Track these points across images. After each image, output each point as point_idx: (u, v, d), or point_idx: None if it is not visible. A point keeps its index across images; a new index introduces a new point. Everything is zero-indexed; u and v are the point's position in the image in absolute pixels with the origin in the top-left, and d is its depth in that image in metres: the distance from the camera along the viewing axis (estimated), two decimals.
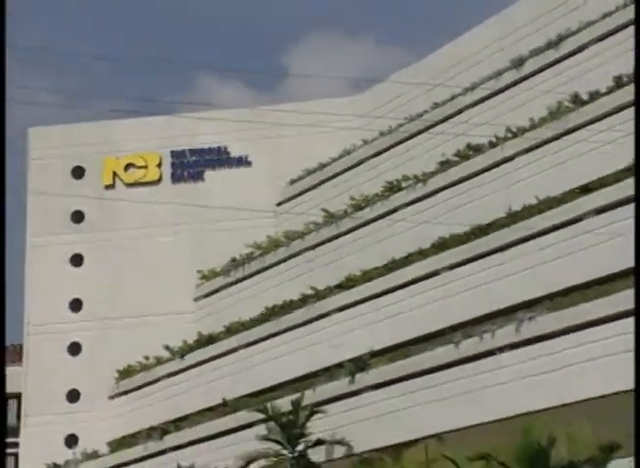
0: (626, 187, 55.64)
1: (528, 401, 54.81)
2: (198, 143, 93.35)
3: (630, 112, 58.21)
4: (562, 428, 50.39)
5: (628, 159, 55.96)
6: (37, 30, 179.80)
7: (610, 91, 62.31)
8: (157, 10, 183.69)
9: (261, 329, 75.82)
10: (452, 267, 64.13)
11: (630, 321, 49.82)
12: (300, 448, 59.25)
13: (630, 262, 51.98)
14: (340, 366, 66.94)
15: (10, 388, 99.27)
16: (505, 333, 58.29)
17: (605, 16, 66.88)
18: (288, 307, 74.15)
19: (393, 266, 67.76)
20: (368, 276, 69.19)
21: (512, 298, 59.60)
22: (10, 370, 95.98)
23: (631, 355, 47.79)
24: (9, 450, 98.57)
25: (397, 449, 58.68)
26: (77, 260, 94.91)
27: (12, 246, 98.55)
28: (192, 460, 66.96)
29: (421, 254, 66.46)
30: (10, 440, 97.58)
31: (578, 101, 63.90)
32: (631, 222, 51.75)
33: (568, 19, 69.37)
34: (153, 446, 78.06)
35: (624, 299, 52.30)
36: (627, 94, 59.81)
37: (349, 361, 66.31)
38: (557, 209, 59.50)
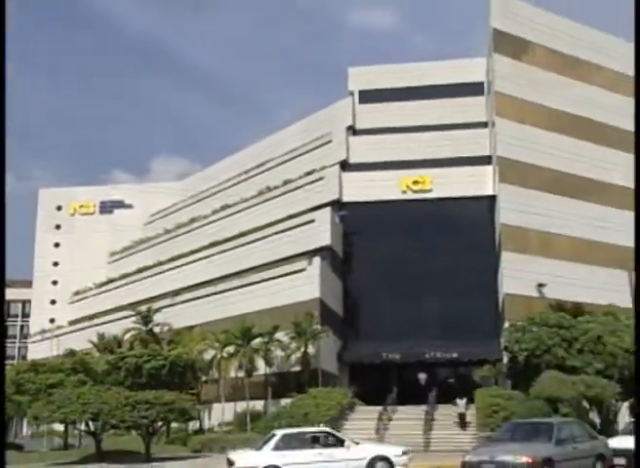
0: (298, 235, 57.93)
1: (245, 308, 56.10)
2: (111, 197, 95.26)
3: (310, 194, 61.16)
4: (257, 321, 52.76)
5: (288, 210, 60.29)
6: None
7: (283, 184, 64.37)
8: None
9: (137, 276, 76.76)
10: (218, 253, 65.61)
11: (294, 276, 55.27)
12: (149, 326, 59.30)
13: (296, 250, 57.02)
14: (169, 293, 68.09)
15: (25, 297, 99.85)
16: (240, 282, 60.12)
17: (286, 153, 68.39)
18: (150, 267, 74.88)
19: (197, 251, 68.64)
20: (185, 254, 70.01)
21: (236, 268, 61.79)
22: (25, 291, 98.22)
23: (294, 291, 53.93)
24: (24, 323, 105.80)
25: (191, 328, 59.79)
26: (57, 245, 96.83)
27: (26, 240, 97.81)
28: (103, 331, 65.72)
29: (205, 248, 67.58)
30: (26, 319, 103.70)
31: (271, 188, 65.64)
32: (296, 237, 58.13)
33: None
34: (87, 324, 78.04)
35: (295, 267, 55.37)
36: (308, 179, 62.14)
37: (171, 291, 68.03)
38: (259, 232, 61.61)
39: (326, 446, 23.17)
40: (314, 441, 23.36)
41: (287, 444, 22.77)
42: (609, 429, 35.69)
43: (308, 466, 22.18)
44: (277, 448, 22.56)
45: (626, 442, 24.32)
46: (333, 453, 22.58)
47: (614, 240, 55.91)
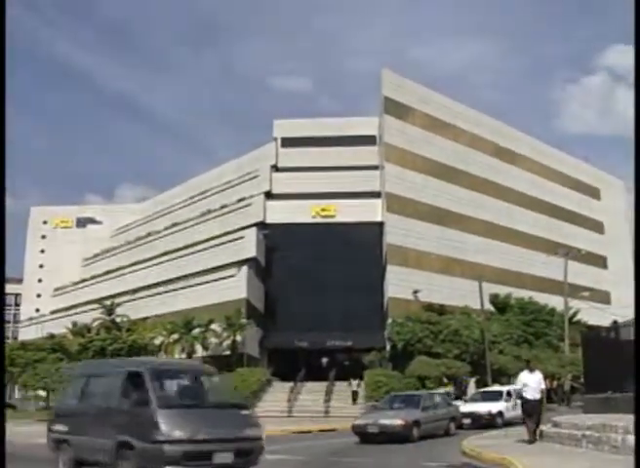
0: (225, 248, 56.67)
1: (188, 305, 54.84)
2: (84, 215, 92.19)
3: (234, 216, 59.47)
4: (197, 315, 51.66)
5: (215, 231, 58.76)
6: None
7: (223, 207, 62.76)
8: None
9: (104, 277, 73.50)
10: (167, 261, 63.14)
11: (227, 280, 53.27)
12: (112, 316, 57.17)
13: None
14: (128, 291, 65.54)
15: (17, 291, 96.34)
16: (184, 283, 58.46)
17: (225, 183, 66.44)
18: (114, 270, 72.23)
19: (151, 258, 65.88)
20: (142, 261, 67.39)
21: (182, 273, 59.37)
22: (17, 286, 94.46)
23: (226, 292, 51.82)
24: (16, 311, 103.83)
25: (145, 319, 57.97)
26: (42, 251, 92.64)
27: (18, 246, 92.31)
28: (76, 319, 63.10)
29: (158, 256, 65.17)
30: (18, 308, 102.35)
31: (211, 211, 63.77)
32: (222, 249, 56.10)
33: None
34: (65, 313, 73.97)
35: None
36: (240, 205, 60.38)
37: (130, 289, 65.53)
38: (201, 245, 59.22)
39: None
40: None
41: None
42: (461, 398, 36.28)
43: None
44: None
45: (471, 407, 26.37)
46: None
47: (468, 258, 57.70)
